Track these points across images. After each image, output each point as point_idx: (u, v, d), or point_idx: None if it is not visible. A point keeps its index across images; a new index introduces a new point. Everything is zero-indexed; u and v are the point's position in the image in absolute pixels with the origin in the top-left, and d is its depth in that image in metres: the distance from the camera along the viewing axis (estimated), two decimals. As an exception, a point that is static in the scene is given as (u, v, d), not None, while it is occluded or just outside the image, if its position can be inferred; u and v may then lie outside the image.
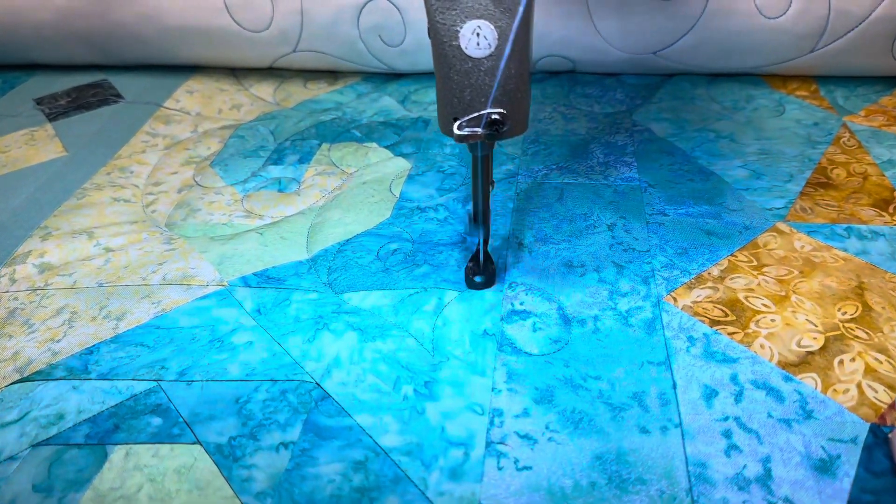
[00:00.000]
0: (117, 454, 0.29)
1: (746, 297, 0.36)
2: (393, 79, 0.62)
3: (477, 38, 0.29)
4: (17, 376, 0.34)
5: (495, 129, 0.30)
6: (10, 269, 0.41)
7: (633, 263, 0.38)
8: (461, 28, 0.29)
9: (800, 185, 0.45)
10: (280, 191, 0.47)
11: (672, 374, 0.32)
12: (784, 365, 0.32)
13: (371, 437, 0.29)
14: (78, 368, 0.34)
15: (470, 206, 0.35)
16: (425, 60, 0.60)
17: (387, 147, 0.52)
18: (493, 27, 0.28)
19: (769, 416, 0.30)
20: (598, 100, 0.56)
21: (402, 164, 0.49)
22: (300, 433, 0.29)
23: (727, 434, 0.29)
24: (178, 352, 0.34)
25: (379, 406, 0.30)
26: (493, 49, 0.29)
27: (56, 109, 0.59)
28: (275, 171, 0.50)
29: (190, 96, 0.60)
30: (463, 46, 0.29)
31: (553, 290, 0.36)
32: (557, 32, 0.56)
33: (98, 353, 0.35)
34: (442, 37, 0.29)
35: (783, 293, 0.36)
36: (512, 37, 0.28)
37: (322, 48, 0.60)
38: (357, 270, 0.39)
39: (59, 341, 0.36)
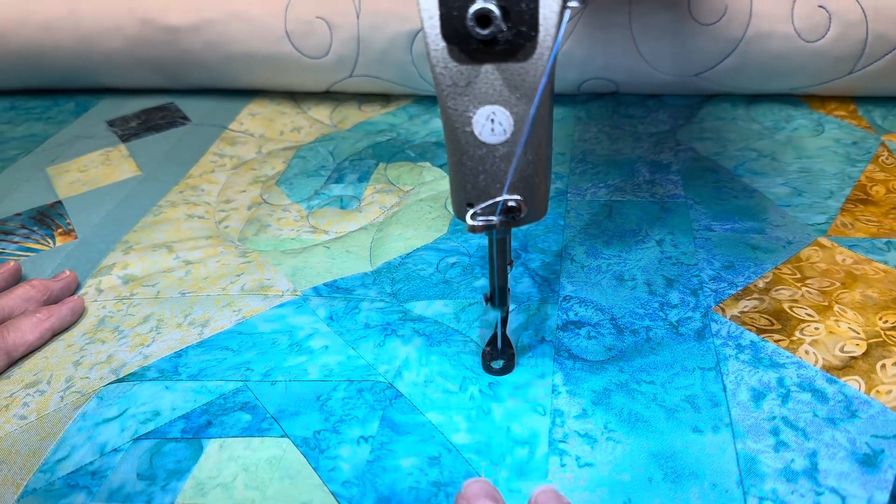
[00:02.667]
0: (212, 446, 0.32)
1: (791, 308, 0.38)
2: (442, 101, 0.65)
3: (492, 123, 0.27)
4: (113, 377, 0.37)
5: (512, 217, 0.29)
6: (97, 280, 0.45)
7: (682, 277, 0.40)
8: (474, 114, 0.27)
9: (840, 202, 0.46)
10: (342, 207, 0.51)
11: (722, 379, 0.34)
12: (828, 369, 0.34)
13: (443, 433, 0.32)
14: (169, 370, 0.37)
15: (487, 289, 0.33)
16: (474, 83, 0.63)
17: (440, 166, 0.55)
18: (508, 113, 0.27)
19: (815, 415, 0.32)
20: (641, 120, 0.59)
21: (456, 182, 0.52)
22: (378, 428, 0.32)
23: (775, 432, 0.31)
24: (261, 355, 0.37)
25: (448, 405, 0.33)
26: (508, 135, 0.27)
27: (128, 131, 0.63)
28: (336, 190, 0.53)
29: (253, 119, 0.64)
30: (477, 133, 0.27)
31: (605, 303, 0.39)
32: (601, 57, 0.59)
33: (186, 357, 0.38)
34: (454, 122, 0.27)
35: (826, 303, 0.38)
36: (529, 123, 0.26)
37: (376, 73, 0.64)
38: (419, 281, 0.42)
39: (148, 346, 0.39)
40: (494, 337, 0.35)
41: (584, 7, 0.27)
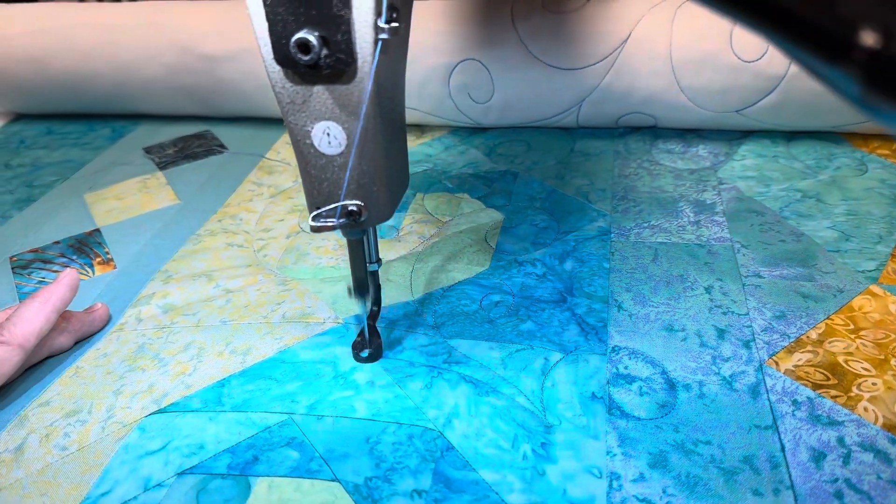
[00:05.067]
0: (260, 486, 0.32)
1: (846, 361, 0.37)
2: (478, 132, 0.65)
3: (328, 137, 0.31)
4: (154, 407, 0.37)
5: (353, 220, 0.32)
6: (136, 310, 0.45)
7: (734, 327, 0.39)
8: (312, 128, 0.30)
9: (890, 247, 0.45)
10: (381, 237, 0.50)
11: (780, 438, 0.33)
12: (889, 427, 0.33)
13: (498, 493, 0.31)
14: (212, 400, 0.37)
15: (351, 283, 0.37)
16: (511, 116, 0.63)
17: (478, 198, 0.54)
18: (341, 128, 0.30)
19: (879, 477, 0.31)
20: (681, 156, 0.58)
21: (495, 216, 0.52)
22: (431, 482, 0.31)
23: (839, 495, 0.30)
24: (305, 387, 0.37)
25: (501, 463, 0.32)
26: (343, 147, 0.31)
27: (165, 158, 0.63)
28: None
29: (289, 148, 0.64)
30: (316, 144, 0.31)
31: (656, 355, 0.38)
32: (641, 92, 0.58)
33: (229, 386, 0.38)
34: (296, 136, 0.31)
35: (882, 357, 0.37)
36: (356, 138, 0.30)
37: (412, 105, 0.64)
38: (463, 318, 0.41)
39: (190, 374, 0.39)
40: (364, 328, 0.38)
41: (397, 38, 0.29)
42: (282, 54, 0.28)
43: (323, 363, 0.39)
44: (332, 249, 0.49)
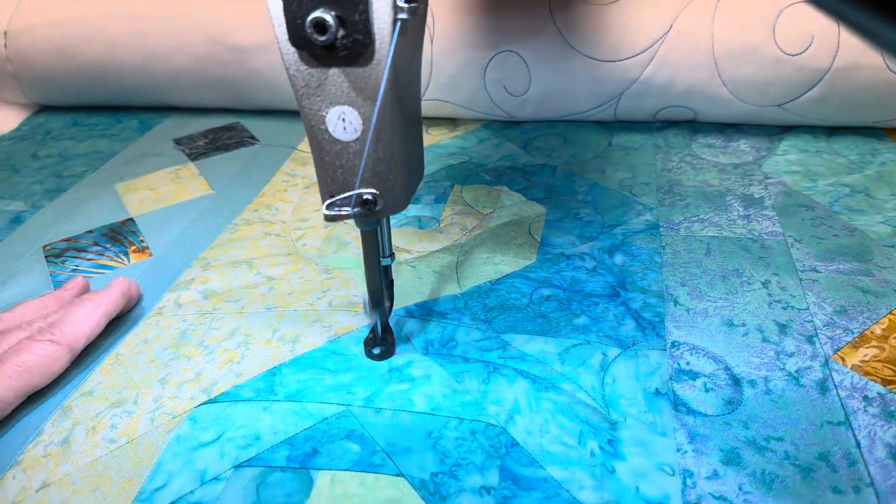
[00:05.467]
0: (322, 479, 0.31)
1: (912, 359, 0.36)
2: (511, 126, 0.64)
3: (343, 122, 0.29)
4: (204, 397, 0.36)
5: (368, 209, 0.31)
6: (175, 294, 0.44)
7: (795, 322, 0.38)
8: (327, 113, 0.29)
9: (944, 243, 0.45)
10: (421, 227, 0.50)
11: (854, 434, 0.32)
12: (965, 428, 0.32)
13: (569, 491, 0.30)
14: (264, 389, 0.36)
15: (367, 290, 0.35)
16: (547, 110, 0.62)
17: (518, 191, 0.53)
18: (357, 113, 0.29)
19: (960, 479, 0.30)
20: (722, 150, 0.57)
21: (537, 209, 0.51)
22: (499, 479, 0.30)
23: (921, 498, 0.29)
24: (360, 379, 0.36)
25: (568, 460, 0.31)
26: (359, 133, 0.30)
27: (196, 150, 0.62)
28: (413, 210, 0.52)
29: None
30: (331, 130, 0.30)
31: (717, 350, 0.37)
32: (682, 84, 0.57)
33: (280, 375, 0.37)
34: (310, 121, 0.30)
35: (948, 355, 0.36)
36: (373, 123, 0.29)
37: (446, 97, 0.63)
38: (514, 312, 0.40)
39: (238, 362, 0.38)
40: (376, 324, 0.37)
41: (416, 18, 0.29)
42: (297, 35, 0.27)
43: (376, 356, 0.38)
44: (373, 242, 0.49)
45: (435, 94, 0.62)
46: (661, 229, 0.47)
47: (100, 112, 0.72)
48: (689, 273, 0.43)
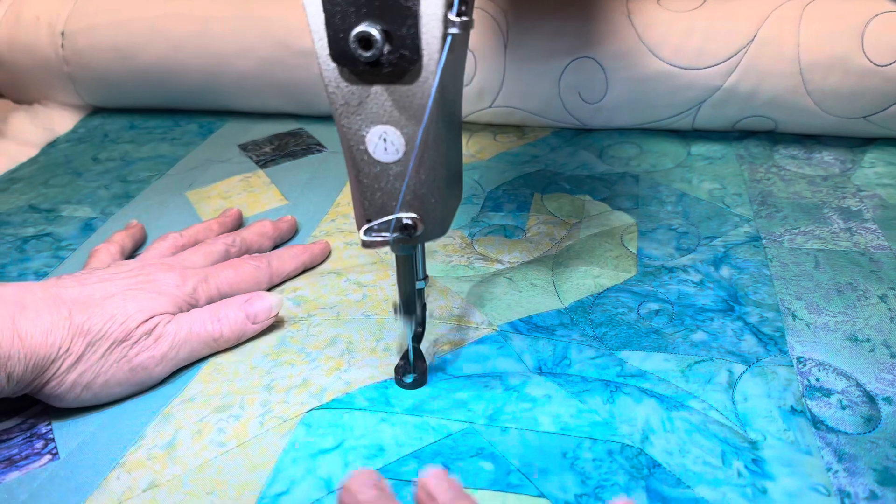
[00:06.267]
0: (460, 503, 0.30)
1: None
2: (581, 134, 0.63)
3: (384, 143, 0.28)
4: (315, 402, 0.35)
5: (408, 234, 0.30)
6: None
7: (925, 338, 0.37)
8: (367, 133, 0.28)
9: None
10: (506, 236, 0.48)
11: None
12: None
13: (725, 513, 0.29)
14: (379, 400, 0.34)
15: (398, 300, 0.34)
16: (622, 118, 0.61)
17: (601, 200, 0.52)
18: (399, 133, 0.28)
19: None
20: (806, 161, 0.56)
21: (626, 219, 0.49)
22: (647, 500, 0.29)
23: None
24: (478, 396, 0.34)
25: (716, 480, 0.30)
26: (401, 155, 0.28)
27: (263, 156, 0.61)
28: (496, 218, 0.51)
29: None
30: (371, 151, 0.28)
31: (845, 367, 0.36)
32: (766, 94, 0.56)
33: (393, 388, 0.35)
34: (349, 140, 0.28)
35: None
36: (417, 144, 0.27)
37: (517, 104, 0.62)
38: (625, 329, 0.39)
39: (346, 371, 0.37)
40: (407, 350, 0.35)
41: (465, 33, 0.27)
42: (338, 50, 0.26)
43: (489, 375, 0.36)
44: (460, 248, 0.47)
45: (506, 101, 0.61)
46: (763, 241, 0.46)
47: (156, 115, 0.71)
48: (802, 286, 0.41)
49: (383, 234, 0.30)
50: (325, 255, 0.47)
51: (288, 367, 0.37)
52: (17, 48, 0.68)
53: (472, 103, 0.62)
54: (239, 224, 0.50)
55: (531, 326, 0.39)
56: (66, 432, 0.35)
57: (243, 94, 0.66)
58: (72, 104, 0.72)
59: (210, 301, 0.39)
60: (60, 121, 0.70)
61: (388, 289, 0.43)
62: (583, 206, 0.51)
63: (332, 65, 0.27)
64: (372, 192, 0.29)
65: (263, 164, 0.60)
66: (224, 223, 0.48)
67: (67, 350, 0.33)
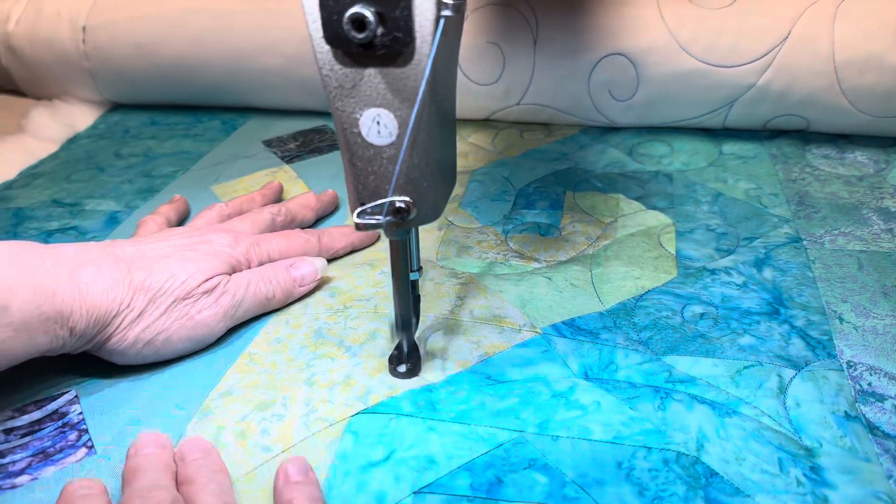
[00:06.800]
0: (516, 514, 0.29)
1: None
2: (610, 132, 0.62)
3: (377, 126, 0.28)
4: (360, 405, 0.34)
5: (401, 217, 0.30)
6: None
7: (977, 343, 0.37)
8: (360, 116, 0.28)
9: None
10: (542, 234, 0.48)
11: None
12: None
13: (788, 522, 0.28)
14: (426, 407, 0.34)
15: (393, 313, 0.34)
16: (652, 116, 0.60)
17: (635, 199, 0.51)
18: (392, 116, 0.28)
19: None
20: (839, 161, 0.55)
21: (662, 219, 0.49)
22: (709, 512, 0.29)
23: None
24: (524, 404, 0.34)
25: (775, 488, 0.29)
26: (394, 138, 0.28)
27: (288, 153, 0.61)
28: (529, 216, 0.50)
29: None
30: (364, 134, 0.29)
31: (897, 370, 0.35)
32: (800, 93, 0.55)
33: (438, 392, 0.35)
34: (343, 123, 0.29)
35: None
36: (410, 127, 0.27)
37: (545, 101, 0.61)
38: (670, 332, 0.38)
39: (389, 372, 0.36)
40: (402, 341, 0.35)
41: (459, 16, 0.27)
42: (332, 32, 0.26)
43: (535, 381, 0.35)
44: (495, 245, 0.47)
45: (534, 98, 0.61)
46: (804, 242, 0.45)
47: (177, 111, 0.70)
48: (847, 289, 0.41)
49: (376, 216, 0.30)
50: (374, 239, 0.47)
51: (328, 361, 0.37)
52: (37, 43, 0.68)
53: (499, 100, 0.61)
54: (280, 196, 0.51)
55: (574, 329, 0.39)
56: (98, 422, 0.34)
57: (266, 90, 0.66)
58: (92, 100, 0.72)
59: (260, 265, 0.41)
60: (80, 117, 0.69)
61: (425, 284, 0.43)
62: (617, 205, 0.51)
63: (326, 47, 0.27)
64: (365, 175, 0.30)
65: (289, 159, 0.59)
66: (266, 195, 0.50)
67: (129, 305, 0.34)
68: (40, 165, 0.62)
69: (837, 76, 0.54)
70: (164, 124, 0.68)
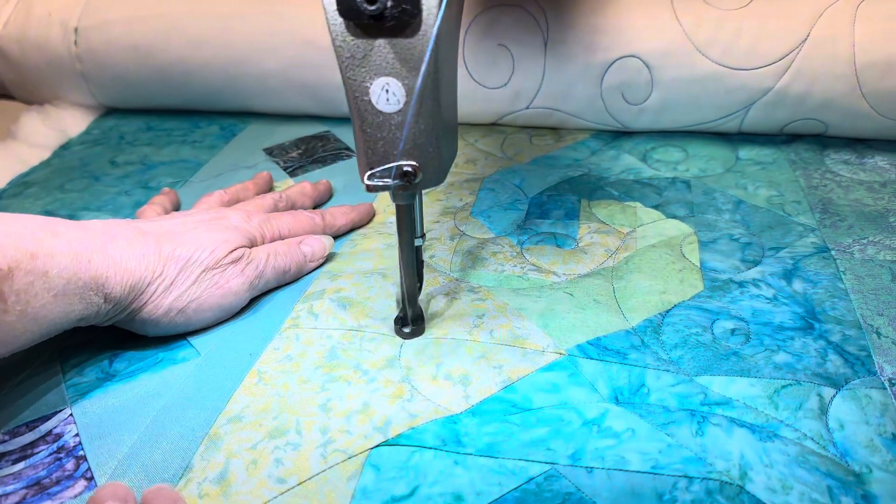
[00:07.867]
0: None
1: None
2: (622, 136, 0.60)
3: (386, 94, 0.30)
4: (380, 437, 0.32)
5: (408, 181, 0.32)
6: (307, 304, 0.41)
7: None
8: (371, 84, 0.30)
9: None
10: (558, 245, 0.46)
11: None
12: None
13: (844, 558, 0.26)
14: (450, 440, 0.32)
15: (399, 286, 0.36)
16: (666, 120, 0.58)
17: (653, 207, 0.50)
18: (400, 84, 0.30)
19: None
20: (860, 167, 0.54)
21: (682, 228, 0.47)
22: (758, 548, 0.27)
23: None
24: (555, 433, 0.32)
25: (827, 520, 0.28)
26: (402, 105, 0.30)
27: (290, 162, 0.58)
28: (544, 226, 0.48)
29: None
30: (374, 102, 0.30)
31: (942, 387, 0.34)
32: (819, 96, 0.54)
33: (462, 424, 0.33)
34: (354, 92, 0.30)
35: None
36: (416, 94, 0.29)
37: (556, 105, 0.59)
38: (702, 351, 0.37)
39: (409, 400, 0.34)
40: (405, 304, 0.37)
41: None
42: (345, 5, 0.28)
43: (563, 407, 0.34)
44: (511, 257, 0.45)
45: (544, 102, 0.59)
46: (832, 252, 0.43)
47: (174, 116, 0.68)
48: (881, 301, 0.39)
49: (385, 179, 0.32)
50: (371, 216, 0.50)
51: (344, 385, 0.35)
52: (27, 46, 0.65)
53: (508, 104, 0.60)
54: (270, 186, 0.53)
55: (600, 350, 0.37)
56: (97, 449, 0.32)
57: (266, 94, 0.63)
58: (85, 104, 0.69)
59: (272, 241, 0.43)
60: (73, 122, 0.67)
61: (440, 300, 0.41)
62: (635, 214, 0.49)
63: (339, 20, 0.29)
64: (374, 141, 0.32)
65: (292, 170, 0.57)
66: (258, 184, 0.52)
67: (161, 274, 0.36)
68: (32, 173, 0.60)
69: (858, 79, 0.53)
70: (160, 130, 0.66)
